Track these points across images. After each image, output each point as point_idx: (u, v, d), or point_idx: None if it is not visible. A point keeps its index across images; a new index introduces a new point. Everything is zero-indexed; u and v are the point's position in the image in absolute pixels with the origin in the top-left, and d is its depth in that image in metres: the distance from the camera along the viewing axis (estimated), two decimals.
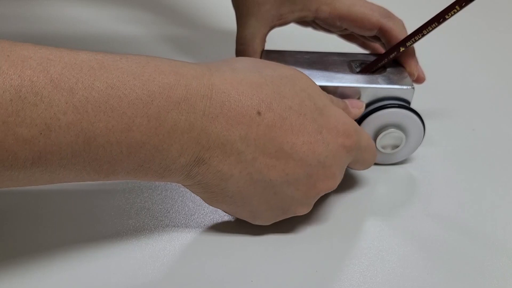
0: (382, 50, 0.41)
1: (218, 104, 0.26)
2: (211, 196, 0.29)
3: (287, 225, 0.32)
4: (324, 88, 0.35)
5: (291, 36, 0.47)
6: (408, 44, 0.35)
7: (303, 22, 0.41)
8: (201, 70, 0.27)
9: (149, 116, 0.24)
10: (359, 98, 0.36)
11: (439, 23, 0.33)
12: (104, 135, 0.23)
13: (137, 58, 0.25)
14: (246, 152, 0.27)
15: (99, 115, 0.23)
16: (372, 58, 0.39)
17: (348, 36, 0.42)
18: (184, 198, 0.34)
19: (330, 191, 0.30)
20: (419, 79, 0.38)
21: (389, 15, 0.38)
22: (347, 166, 0.33)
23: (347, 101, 0.34)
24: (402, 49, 0.36)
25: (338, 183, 0.30)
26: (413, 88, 0.35)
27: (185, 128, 0.25)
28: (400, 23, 0.38)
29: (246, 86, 0.27)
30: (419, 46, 0.38)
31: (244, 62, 0.30)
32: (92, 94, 0.23)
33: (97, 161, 0.24)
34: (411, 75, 0.37)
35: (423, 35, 0.35)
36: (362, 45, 0.43)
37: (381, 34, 0.38)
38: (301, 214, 0.31)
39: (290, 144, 0.27)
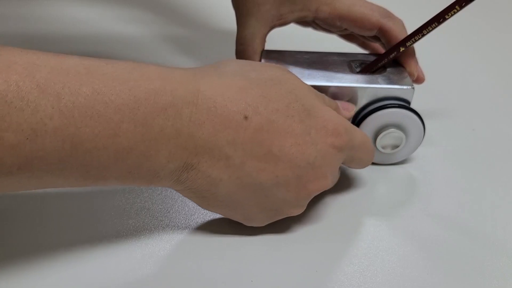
0: (382, 50, 0.41)
1: (204, 110, 0.26)
2: (203, 200, 0.29)
3: (287, 225, 0.32)
4: (323, 88, 0.35)
5: (291, 36, 0.47)
6: (408, 44, 0.35)
7: (303, 22, 0.41)
8: (187, 76, 0.27)
9: (135, 121, 0.24)
10: (358, 98, 0.36)
11: (439, 23, 0.33)
12: (91, 141, 0.23)
13: (124, 64, 0.25)
14: (235, 156, 0.27)
15: (85, 120, 0.23)
16: (372, 58, 0.39)
17: (348, 36, 0.42)
18: (184, 198, 0.34)
19: (324, 191, 0.30)
20: (419, 79, 0.38)
21: (389, 15, 0.38)
22: (345, 165, 0.33)
23: (338, 102, 0.34)
24: (402, 49, 0.36)
25: (331, 183, 0.30)
26: (413, 88, 0.35)
27: (172, 134, 0.25)
28: (400, 23, 0.38)
29: (232, 91, 0.27)
30: (419, 46, 0.38)
31: (231, 65, 0.30)
32: (79, 99, 0.23)
33: (84, 167, 0.24)
34: (411, 75, 0.37)
35: (423, 35, 0.35)
36: (362, 45, 0.43)
37: (381, 34, 0.38)
38: (295, 215, 0.31)
39: (278, 147, 0.27)
